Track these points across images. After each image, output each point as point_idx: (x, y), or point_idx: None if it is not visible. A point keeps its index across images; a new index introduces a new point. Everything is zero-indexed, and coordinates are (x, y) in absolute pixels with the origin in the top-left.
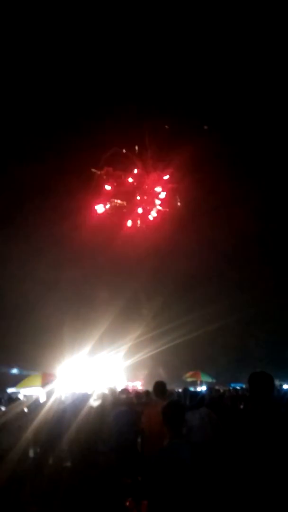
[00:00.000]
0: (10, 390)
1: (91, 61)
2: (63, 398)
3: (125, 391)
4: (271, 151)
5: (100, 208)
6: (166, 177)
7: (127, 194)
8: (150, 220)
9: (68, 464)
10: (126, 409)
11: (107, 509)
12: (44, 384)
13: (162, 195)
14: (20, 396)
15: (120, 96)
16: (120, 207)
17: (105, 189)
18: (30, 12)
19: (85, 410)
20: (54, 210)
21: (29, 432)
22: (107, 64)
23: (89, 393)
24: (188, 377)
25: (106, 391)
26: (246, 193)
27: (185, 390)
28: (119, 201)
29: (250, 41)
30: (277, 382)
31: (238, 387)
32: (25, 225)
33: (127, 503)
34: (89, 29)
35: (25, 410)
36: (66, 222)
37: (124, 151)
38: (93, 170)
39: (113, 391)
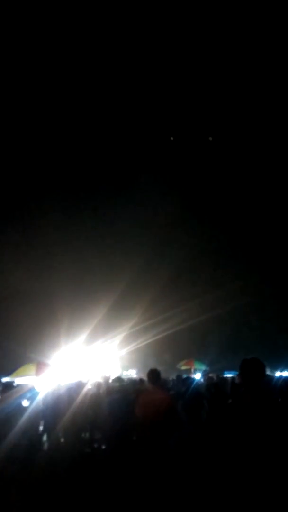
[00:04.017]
0: (4, 379)
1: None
2: (57, 386)
3: (119, 379)
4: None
5: None
6: None
7: None
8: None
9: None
10: (120, 397)
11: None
12: (38, 373)
13: None
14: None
15: None
16: None
17: None
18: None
19: (79, 398)
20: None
21: (23, 420)
22: None
23: (83, 381)
24: (182, 365)
25: (101, 380)
26: (243, 185)
27: (178, 376)
28: None
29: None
30: (268, 371)
31: (231, 375)
32: (23, 216)
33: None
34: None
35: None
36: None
37: None
38: None
39: (107, 380)
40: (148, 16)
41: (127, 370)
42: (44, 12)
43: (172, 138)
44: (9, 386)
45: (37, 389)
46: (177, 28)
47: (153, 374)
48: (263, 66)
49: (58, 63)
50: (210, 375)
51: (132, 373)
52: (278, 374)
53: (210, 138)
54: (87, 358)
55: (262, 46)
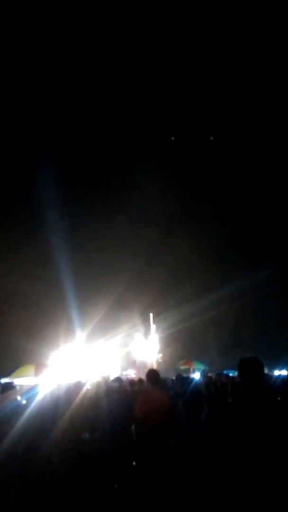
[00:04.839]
0: (3, 380)
1: None
2: (57, 387)
3: (118, 379)
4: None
5: None
6: None
7: None
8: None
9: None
10: (119, 397)
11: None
12: (37, 373)
13: None
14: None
15: None
16: None
17: None
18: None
19: (79, 398)
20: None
21: (22, 421)
22: None
23: (83, 381)
24: (182, 365)
25: (100, 380)
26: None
27: (178, 376)
28: None
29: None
30: (267, 370)
31: (230, 374)
32: (23, 216)
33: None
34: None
35: (18, 398)
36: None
37: None
38: None
39: (106, 380)
40: (149, 18)
41: (126, 370)
42: (46, 11)
43: (173, 138)
44: (8, 387)
45: (38, 388)
46: (179, 31)
47: (152, 374)
48: (263, 66)
49: (62, 64)
50: (209, 374)
51: (131, 373)
52: (276, 373)
53: (211, 138)
54: (86, 358)
55: (261, 47)
